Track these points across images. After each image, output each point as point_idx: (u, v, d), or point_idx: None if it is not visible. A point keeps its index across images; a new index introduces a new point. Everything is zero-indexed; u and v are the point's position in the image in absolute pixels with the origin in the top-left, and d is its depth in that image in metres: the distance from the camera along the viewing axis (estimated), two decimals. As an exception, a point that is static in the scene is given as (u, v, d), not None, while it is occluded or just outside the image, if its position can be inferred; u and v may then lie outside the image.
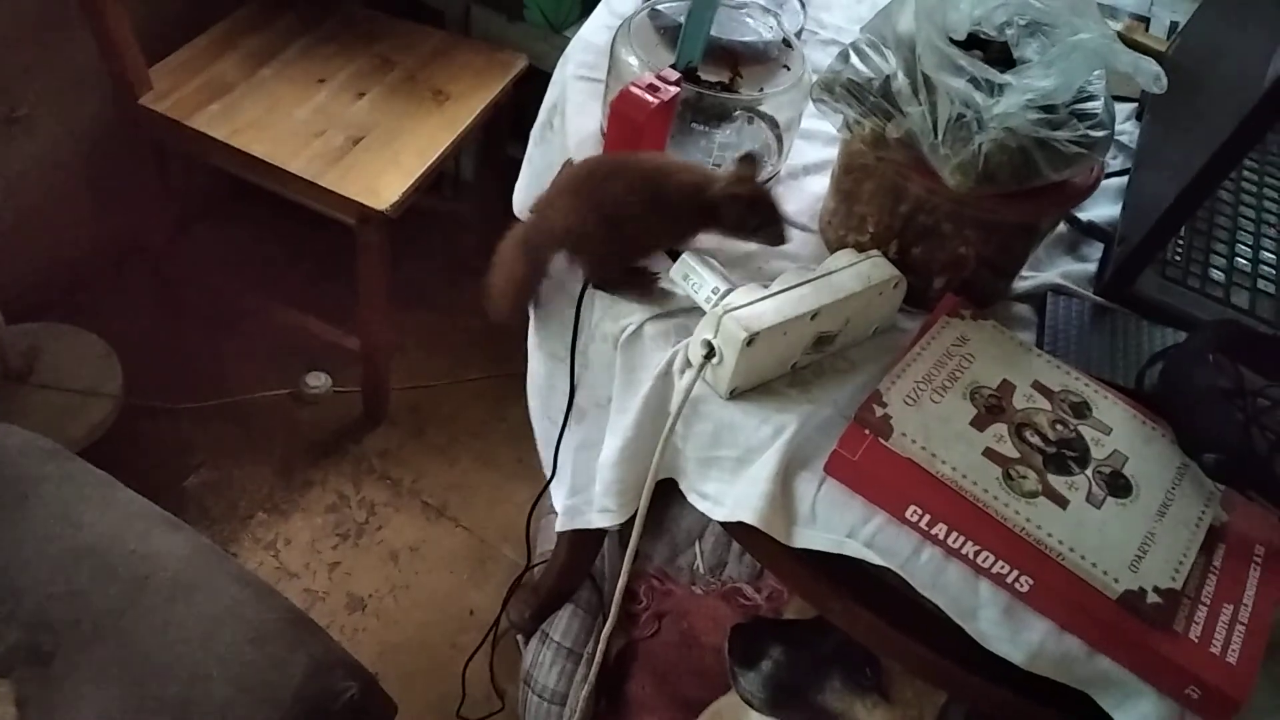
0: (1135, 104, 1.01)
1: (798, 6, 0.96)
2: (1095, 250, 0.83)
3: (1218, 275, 0.80)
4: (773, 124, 0.82)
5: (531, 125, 0.97)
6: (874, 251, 0.71)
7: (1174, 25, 1.10)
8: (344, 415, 1.58)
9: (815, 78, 0.72)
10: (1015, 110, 0.62)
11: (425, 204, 1.41)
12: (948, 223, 0.70)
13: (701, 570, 1.38)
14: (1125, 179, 0.90)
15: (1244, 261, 0.82)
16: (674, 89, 0.71)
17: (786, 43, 0.82)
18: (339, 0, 1.73)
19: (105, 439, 1.41)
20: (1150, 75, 0.63)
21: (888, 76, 0.66)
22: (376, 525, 1.46)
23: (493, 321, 0.83)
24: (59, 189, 1.55)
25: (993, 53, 0.69)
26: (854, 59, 0.69)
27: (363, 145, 1.36)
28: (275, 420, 1.55)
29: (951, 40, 0.65)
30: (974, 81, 0.63)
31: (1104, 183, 0.90)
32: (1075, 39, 0.63)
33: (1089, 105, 0.65)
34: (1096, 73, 0.65)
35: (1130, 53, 0.64)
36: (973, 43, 0.69)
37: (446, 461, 1.54)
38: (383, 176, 1.32)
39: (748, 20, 0.90)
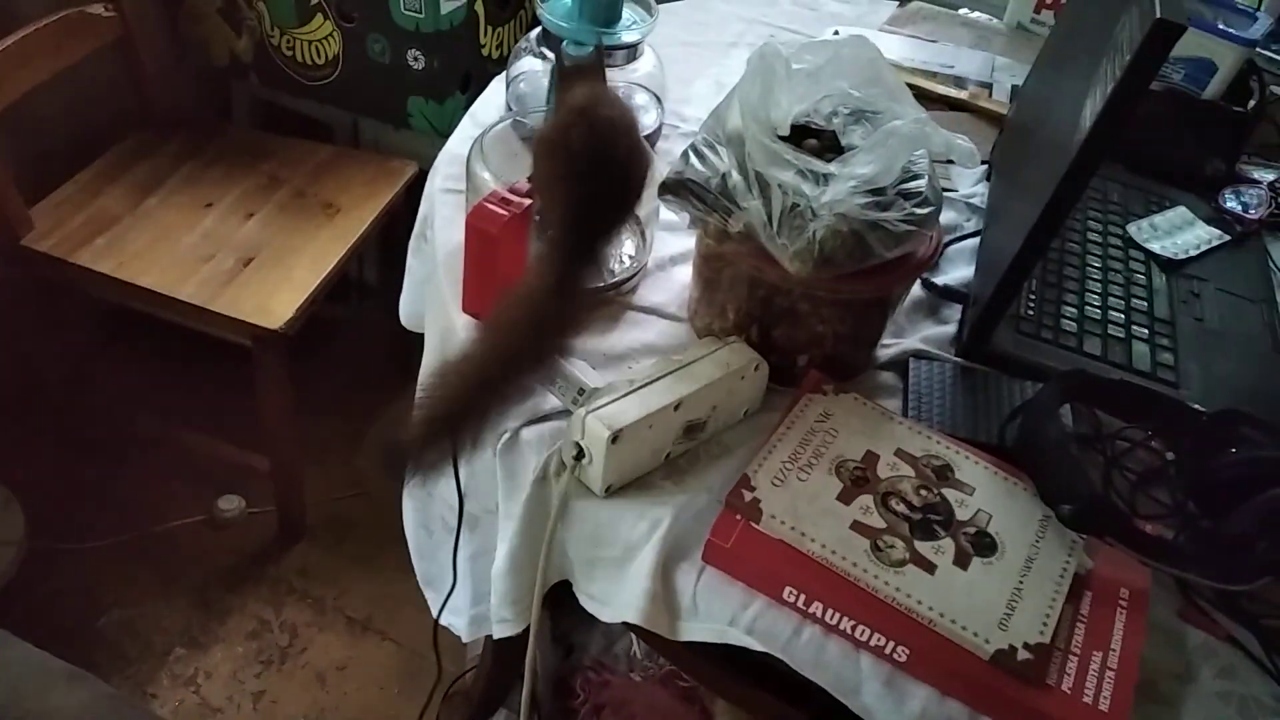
0: (985, 165, 1.06)
1: (654, 103, 0.99)
2: (955, 312, 0.86)
3: (1069, 325, 0.84)
4: (634, 219, 0.85)
5: None
6: (733, 338, 0.73)
7: (1015, 89, 1.17)
8: (260, 536, 1.55)
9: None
10: (843, 197, 0.65)
11: (327, 312, 1.41)
12: (803, 303, 0.72)
13: (639, 656, 1.36)
14: (978, 240, 0.94)
15: (1093, 309, 0.86)
16: (526, 201, 0.73)
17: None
18: (224, 124, 1.75)
19: (8, 588, 1.36)
20: (964, 153, 0.67)
21: (724, 174, 0.69)
22: (300, 648, 1.42)
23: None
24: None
25: (824, 140, 0.73)
26: (693, 159, 0.72)
27: (254, 265, 1.36)
28: (189, 549, 1.51)
29: (780, 135, 0.69)
30: (801, 173, 0.66)
31: (960, 244, 0.95)
32: (892, 126, 0.66)
33: (914, 184, 0.68)
34: (919, 153, 0.68)
35: (943, 134, 0.68)
36: (806, 132, 0.73)
37: (369, 573, 1.51)
38: (276, 295, 1.32)
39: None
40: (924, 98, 1.13)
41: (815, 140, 0.71)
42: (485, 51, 1.63)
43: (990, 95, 1.16)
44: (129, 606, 1.44)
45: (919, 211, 0.67)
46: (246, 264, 1.37)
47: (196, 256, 1.36)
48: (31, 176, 1.48)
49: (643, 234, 0.84)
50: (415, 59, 1.52)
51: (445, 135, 1.59)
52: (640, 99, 0.98)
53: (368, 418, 1.70)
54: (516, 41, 1.71)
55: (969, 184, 1.04)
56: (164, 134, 1.55)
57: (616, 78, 0.94)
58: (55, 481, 1.53)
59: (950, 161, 0.73)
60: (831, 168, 0.67)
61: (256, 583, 1.48)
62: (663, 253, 0.88)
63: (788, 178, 0.66)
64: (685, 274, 0.85)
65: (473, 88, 1.62)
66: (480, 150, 0.81)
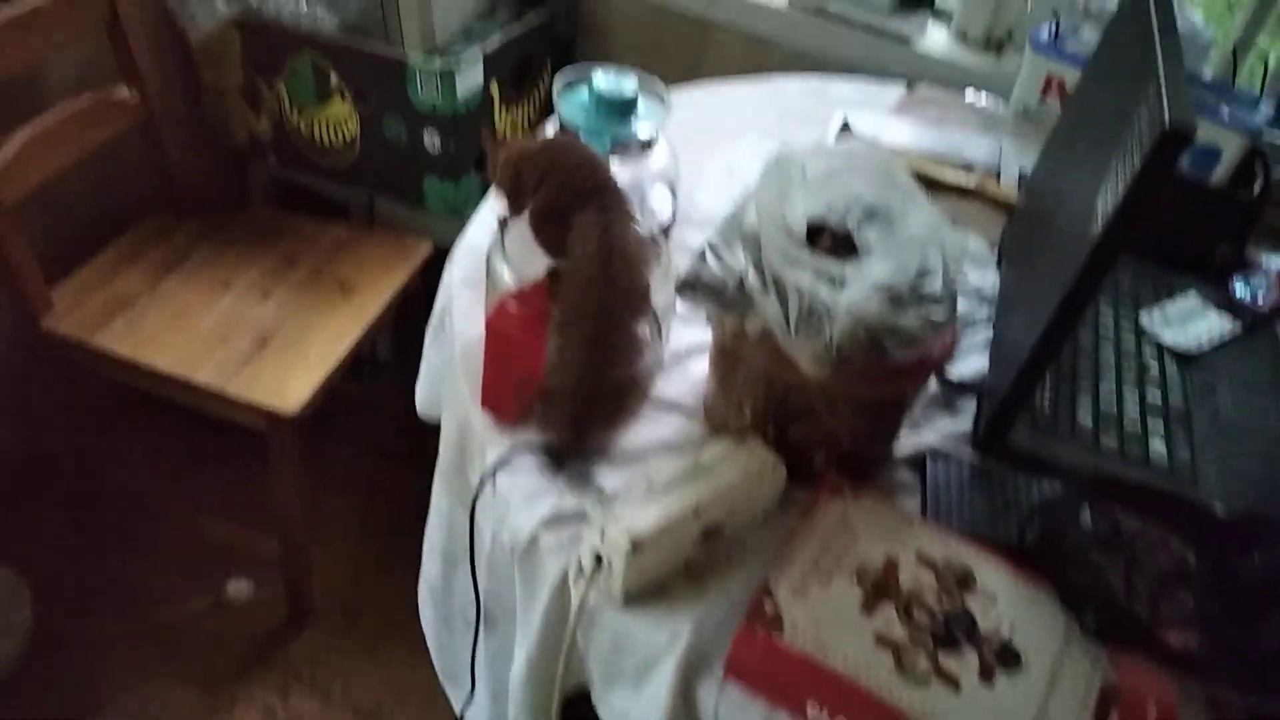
0: (995, 253, 1.07)
1: (669, 195, 1.01)
2: (969, 404, 0.86)
3: (1085, 420, 0.84)
4: (651, 315, 0.86)
5: None
6: (750, 438, 0.73)
7: (1023, 174, 1.18)
8: (269, 619, 1.53)
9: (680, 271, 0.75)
10: (859, 300, 0.66)
11: (341, 389, 1.41)
12: (820, 402, 0.73)
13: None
14: (991, 330, 0.94)
15: (1109, 404, 0.86)
16: (545, 299, 0.73)
17: (653, 239, 0.86)
18: (242, 202, 1.78)
19: (13, 676, 1.35)
20: (978, 255, 0.67)
21: (741, 275, 0.69)
22: (308, 737, 1.40)
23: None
24: (-40, 416, 1.53)
25: (838, 239, 0.74)
26: (710, 258, 0.73)
27: (270, 347, 1.37)
28: (197, 634, 1.50)
29: (795, 234, 0.69)
30: (818, 275, 0.67)
31: (972, 335, 0.95)
32: (907, 229, 0.67)
33: (929, 285, 0.69)
34: (932, 254, 0.69)
35: (957, 236, 0.68)
36: (820, 230, 0.73)
37: (378, 661, 1.49)
38: (290, 377, 1.33)
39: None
40: (932, 185, 1.15)
41: (829, 238, 0.72)
42: (500, 131, 1.66)
43: (998, 181, 1.17)
44: (135, 694, 1.42)
45: (935, 313, 0.67)
46: (263, 345, 1.38)
47: (213, 338, 1.37)
48: (53, 255, 1.50)
49: (659, 328, 0.84)
50: (431, 140, 1.55)
51: (460, 213, 1.63)
52: (655, 191, 1.00)
53: (378, 496, 1.70)
54: (530, 120, 1.75)
55: (979, 273, 1.04)
56: (184, 213, 1.57)
57: (632, 171, 0.96)
58: (64, 561, 1.52)
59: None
60: (847, 270, 0.67)
61: (264, 669, 1.46)
62: (678, 344, 0.88)
63: (804, 280, 0.67)
64: (700, 367, 0.85)
65: (487, 167, 1.64)
66: (500, 245, 0.82)
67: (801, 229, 0.69)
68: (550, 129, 0.98)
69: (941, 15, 1.69)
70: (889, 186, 0.72)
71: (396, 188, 1.65)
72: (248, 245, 1.55)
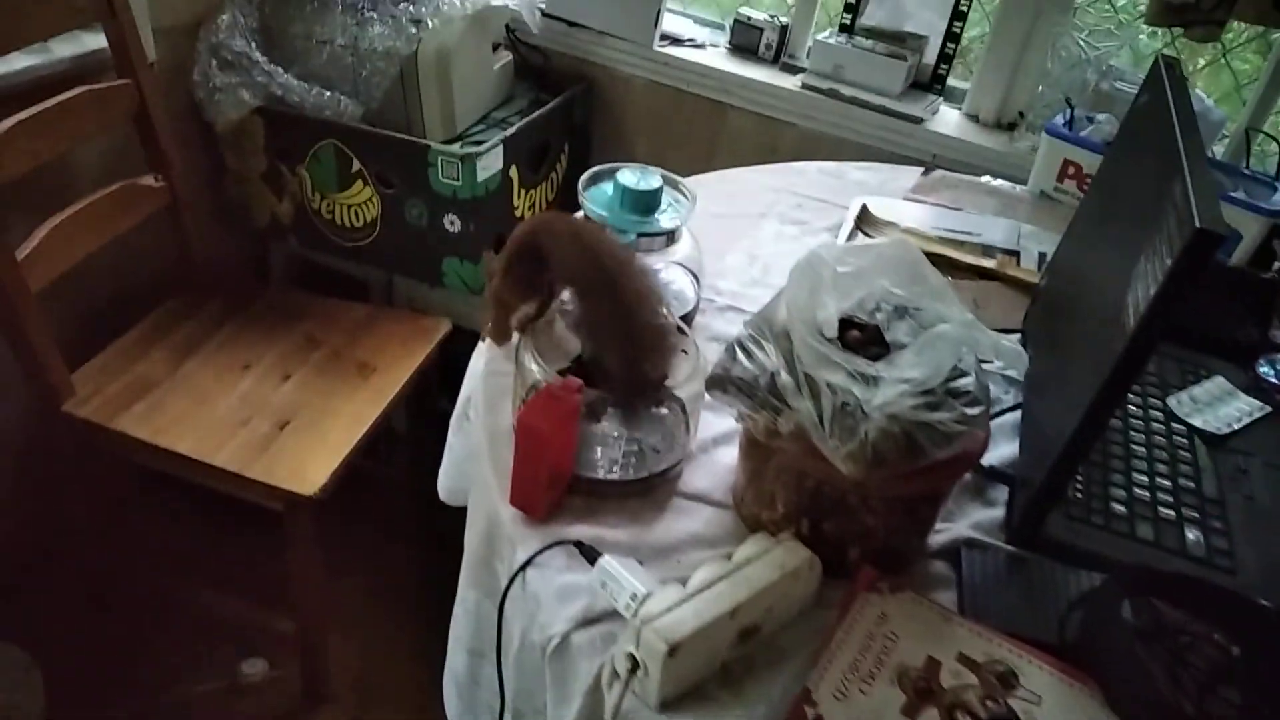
0: (1019, 334, 1.07)
1: (693, 282, 1.02)
2: (1002, 492, 0.86)
3: (1119, 508, 0.83)
4: (679, 403, 0.86)
5: (460, 378, 1.00)
6: (785, 535, 0.72)
7: (1042, 256, 1.19)
8: (284, 700, 1.51)
9: (710, 365, 0.76)
10: (893, 400, 0.66)
11: (357, 463, 1.41)
12: (854, 497, 0.72)
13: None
14: (1019, 414, 0.94)
15: (1142, 491, 0.85)
16: (576, 396, 0.74)
17: (680, 329, 0.87)
18: (263, 283, 1.80)
19: (24, 765, 1.33)
20: (1011, 355, 0.68)
21: (773, 373, 0.70)
22: (322, 827, 1.37)
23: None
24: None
25: (868, 334, 0.74)
26: (740, 355, 0.73)
27: (290, 429, 1.38)
28: (211, 714, 1.47)
29: (826, 333, 0.70)
30: (851, 375, 0.67)
31: (1001, 419, 0.95)
32: (938, 330, 0.67)
33: (962, 382, 0.69)
34: (965, 350, 0.69)
35: (990, 335, 0.69)
36: (850, 325, 0.74)
37: (394, 745, 1.47)
38: (310, 459, 1.32)
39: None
40: (952, 266, 1.16)
41: (859, 333, 0.73)
42: (518, 213, 1.69)
43: (1018, 263, 1.18)
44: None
45: (970, 411, 0.67)
46: (283, 427, 1.38)
47: (234, 421, 1.38)
48: (76, 339, 1.51)
49: (686, 420, 0.84)
50: (451, 222, 1.57)
51: (478, 293, 1.65)
52: (679, 280, 1.01)
53: (394, 574, 1.69)
54: (548, 202, 1.77)
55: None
56: (205, 294, 1.59)
57: (656, 261, 0.97)
58: (78, 641, 1.51)
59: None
60: (880, 368, 0.67)
61: (279, 755, 1.44)
62: (705, 434, 0.88)
63: (837, 379, 0.67)
64: (729, 456, 0.85)
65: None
66: (528, 338, 0.82)
67: (833, 328, 0.69)
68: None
69: (953, 97, 1.73)
70: (918, 284, 0.73)
71: (416, 268, 1.68)
72: (268, 326, 1.56)
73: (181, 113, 1.60)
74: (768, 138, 1.75)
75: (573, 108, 1.79)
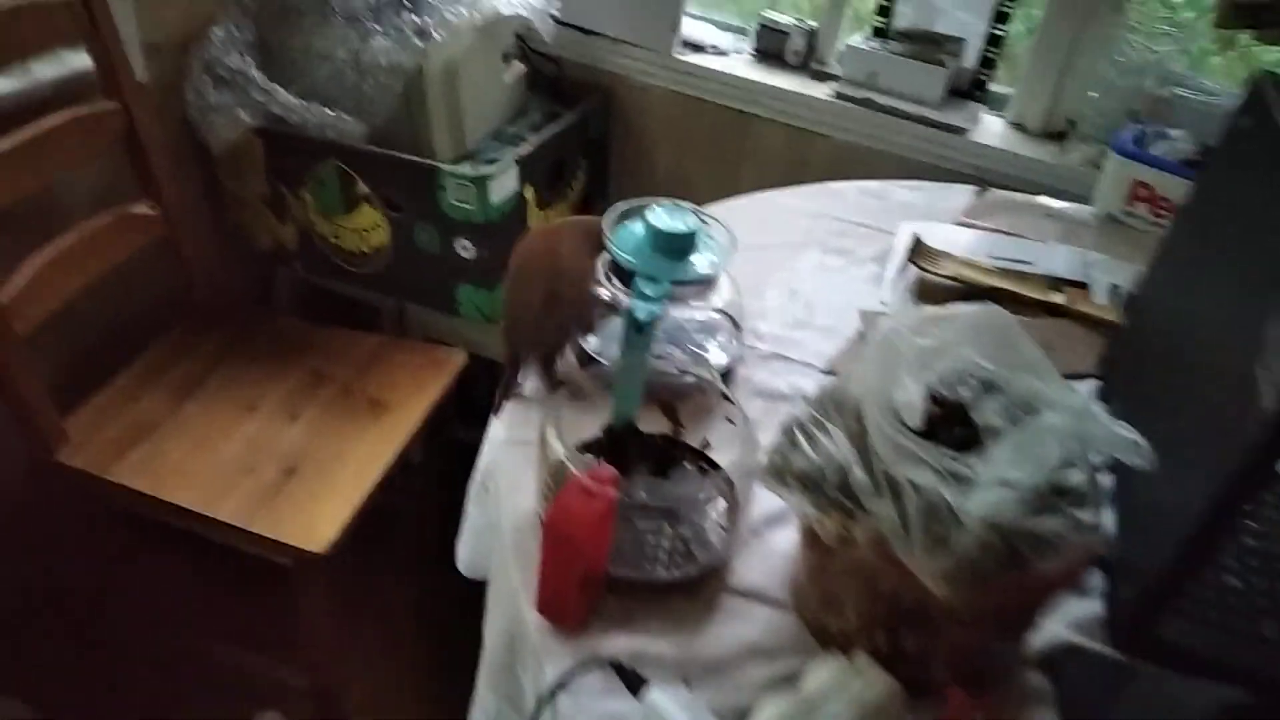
0: (1097, 381, 0.97)
1: (733, 331, 0.92)
2: (1097, 579, 0.75)
3: (1236, 601, 0.72)
4: (726, 481, 0.76)
5: (475, 405, 0.91)
6: (859, 653, 0.62)
7: (1114, 288, 1.08)
8: (299, 754, 1.43)
9: (755, 428, 0.66)
10: (992, 504, 0.56)
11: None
12: (938, 609, 0.62)
13: None
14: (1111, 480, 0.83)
15: (1259, 578, 0.75)
16: (610, 492, 0.64)
17: (725, 396, 0.77)
18: (268, 313, 1.71)
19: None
20: (1133, 450, 0.57)
21: (844, 468, 0.60)
22: None
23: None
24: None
25: (948, 410, 0.64)
26: (801, 441, 0.63)
27: (297, 477, 1.28)
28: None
29: (907, 423, 0.60)
30: (939, 472, 0.57)
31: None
32: (1043, 421, 0.57)
33: (1069, 475, 0.59)
34: (1071, 441, 0.59)
35: (1106, 424, 0.58)
36: (933, 408, 0.64)
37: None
38: (318, 511, 1.23)
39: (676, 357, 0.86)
40: (1016, 302, 1.05)
41: (946, 421, 0.62)
42: (534, 235, 1.59)
43: (1087, 297, 1.07)
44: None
45: (1082, 517, 0.57)
46: (290, 474, 1.29)
47: (238, 467, 1.29)
48: (69, 378, 1.43)
49: (735, 501, 0.74)
50: (464, 248, 1.47)
51: (495, 322, 1.55)
52: (721, 329, 0.91)
53: (410, 614, 1.60)
54: (564, 219, 1.67)
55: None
56: (206, 324, 1.50)
57: (693, 311, 0.87)
58: (83, 695, 1.43)
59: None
60: (975, 466, 0.57)
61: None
62: (756, 511, 0.78)
63: (923, 478, 0.57)
64: (784, 541, 0.75)
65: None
66: (554, 415, 0.72)
67: (915, 417, 0.59)
68: (603, 264, 0.90)
69: (996, 103, 1.62)
70: (1010, 355, 0.63)
71: (429, 296, 1.58)
72: (274, 361, 1.47)
73: (175, 134, 1.51)
74: (798, 150, 1.65)
75: (589, 121, 1.68)
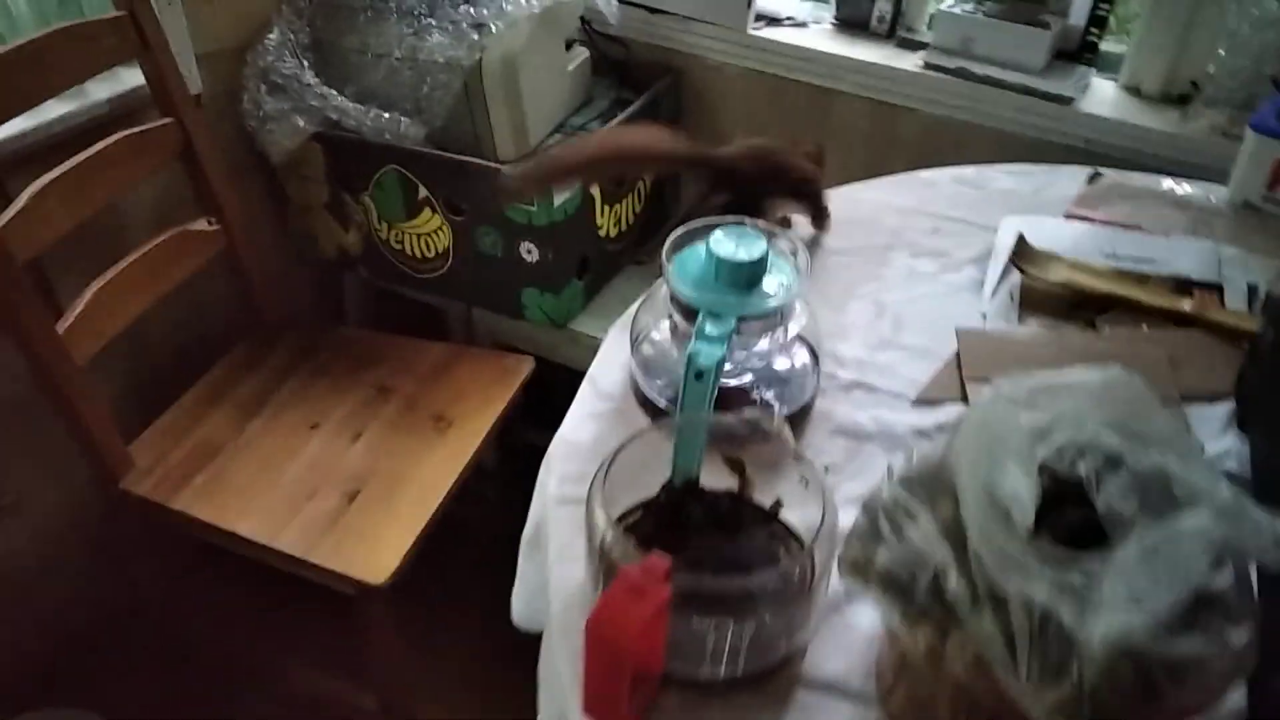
0: (1231, 405, 0.84)
1: (811, 361, 0.82)
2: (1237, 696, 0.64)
3: None
4: (805, 551, 0.67)
5: (550, 406, 0.87)
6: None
7: (1253, 290, 0.94)
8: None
9: (840, 542, 0.57)
10: (1120, 626, 0.45)
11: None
12: (1048, 723, 0.52)
13: None
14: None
15: None
16: (664, 589, 0.55)
17: (797, 455, 0.67)
18: (333, 324, 1.67)
19: None
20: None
21: (936, 571, 0.50)
22: None
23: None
24: (51, 565, 1.46)
25: (1060, 486, 0.53)
26: (885, 529, 0.53)
27: (359, 502, 1.24)
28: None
29: (1017, 523, 0.49)
30: (1055, 585, 0.47)
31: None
32: (1185, 525, 0.46)
33: (1214, 579, 0.48)
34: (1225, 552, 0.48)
35: (1265, 524, 0.47)
36: (1046, 492, 0.53)
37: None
38: (380, 540, 1.19)
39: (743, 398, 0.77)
40: (1137, 311, 0.92)
41: (1050, 483, 0.52)
42: (603, 232, 1.51)
43: (1221, 301, 0.93)
44: None
45: (1233, 640, 0.46)
46: (352, 499, 1.25)
47: (299, 493, 1.25)
48: (136, 400, 1.42)
49: (812, 575, 0.65)
50: (529, 251, 1.40)
51: (561, 326, 1.48)
52: (798, 358, 0.81)
53: (483, 629, 1.55)
54: (635, 214, 1.58)
55: (1212, 435, 0.82)
56: (271, 339, 1.47)
57: (765, 348, 0.77)
58: (155, 713, 1.43)
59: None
60: (1096, 575, 0.47)
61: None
62: (835, 583, 0.68)
63: (1036, 592, 0.47)
64: (865, 622, 0.66)
65: (590, 272, 1.49)
66: (602, 483, 0.64)
67: (1027, 516, 0.49)
68: (662, 296, 0.80)
69: (1107, 65, 1.45)
70: (1140, 423, 0.52)
71: (493, 299, 1.52)
72: (338, 375, 1.43)
73: (234, 144, 1.47)
74: (885, 127, 1.51)
75: (659, 105, 1.58)
